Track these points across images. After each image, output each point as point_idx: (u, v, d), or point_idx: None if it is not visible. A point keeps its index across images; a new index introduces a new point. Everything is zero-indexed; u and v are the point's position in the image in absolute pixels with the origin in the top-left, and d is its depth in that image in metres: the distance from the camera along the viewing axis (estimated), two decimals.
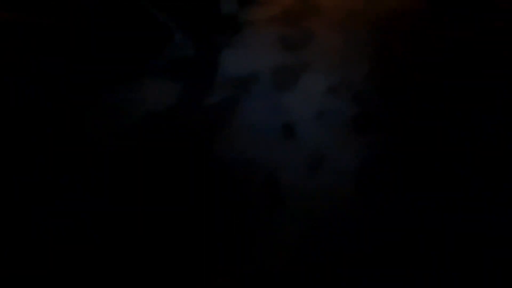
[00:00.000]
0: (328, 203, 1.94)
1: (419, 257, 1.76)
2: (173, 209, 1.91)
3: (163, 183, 2.06)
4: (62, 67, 2.59)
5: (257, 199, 1.93)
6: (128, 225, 1.88)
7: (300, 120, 2.48)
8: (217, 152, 2.20)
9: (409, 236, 1.81)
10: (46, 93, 2.38)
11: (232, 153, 2.22)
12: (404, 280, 1.68)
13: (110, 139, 2.18)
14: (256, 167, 2.07)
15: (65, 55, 2.72)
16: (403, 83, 2.80)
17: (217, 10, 3.97)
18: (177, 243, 1.85)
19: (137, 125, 2.28)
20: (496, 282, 1.58)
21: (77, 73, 2.70)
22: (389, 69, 3.08)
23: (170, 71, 3.30)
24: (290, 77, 3.15)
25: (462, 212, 1.84)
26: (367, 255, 1.74)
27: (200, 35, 3.68)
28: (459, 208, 1.87)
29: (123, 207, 1.87)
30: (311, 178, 2.04)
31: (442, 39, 4.47)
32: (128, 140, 2.17)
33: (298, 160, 2.18)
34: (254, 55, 3.43)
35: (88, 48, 2.81)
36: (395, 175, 2.03)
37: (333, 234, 1.79)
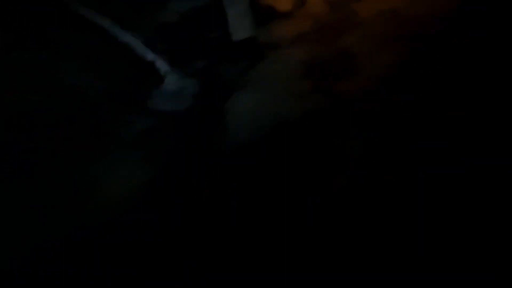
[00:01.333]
0: None
1: None
2: None
3: None
4: None
5: None
6: None
7: None
8: None
9: None
10: None
11: None
12: None
13: None
14: None
15: None
16: None
17: (228, 36, 2.99)
18: None
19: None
20: None
21: None
22: None
23: (144, 146, 2.25)
24: (325, 145, 2.04)
25: None
26: None
27: (203, 71, 2.69)
28: None
29: None
30: None
31: None
32: None
33: None
34: (272, 101, 2.40)
35: None
36: None
37: None
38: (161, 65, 2.83)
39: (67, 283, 1.52)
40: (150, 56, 2.86)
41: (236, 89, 2.68)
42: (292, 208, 1.67)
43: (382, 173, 1.79)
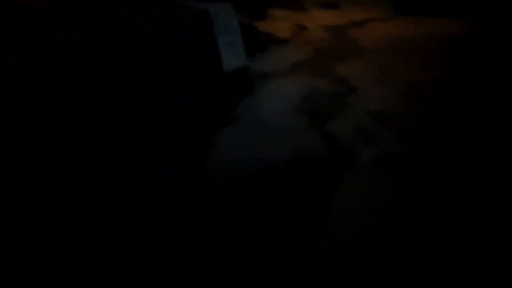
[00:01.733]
0: None
1: None
2: None
3: None
4: None
5: None
6: None
7: None
8: None
9: None
10: None
11: None
12: None
13: None
14: None
15: None
16: None
17: (218, 66, 2.78)
18: None
19: None
20: None
21: None
22: None
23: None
24: (312, 197, 1.77)
25: None
26: None
27: (192, 104, 2.46)
28: None
29: None
30: None
31: None
32: None
33: None
34: (262, 139, 2.16)
35: None
36: None
37: None
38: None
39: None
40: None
41: (225, 125, 2.44)
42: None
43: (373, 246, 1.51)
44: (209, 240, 1.42)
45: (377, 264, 1.40)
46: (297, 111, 2.50)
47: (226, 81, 2.84)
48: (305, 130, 2.26)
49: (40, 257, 1.45)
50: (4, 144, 1.96)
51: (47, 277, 1.40)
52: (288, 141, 2.17)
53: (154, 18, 2.76)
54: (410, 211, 1.65)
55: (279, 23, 6.44)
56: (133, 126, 2.37)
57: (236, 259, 1.46)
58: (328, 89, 3.12)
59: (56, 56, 2.44)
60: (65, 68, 2.38)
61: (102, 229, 1.58)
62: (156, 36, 2.62)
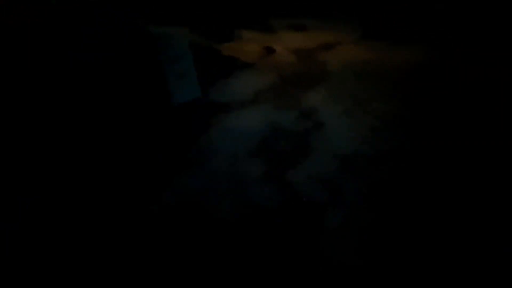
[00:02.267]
0: None
1: None
2: None
3: None
4: None
5: None
6: None
7: None
8: None
9: None
10: None
11: None
12: None
13: None
14: None
15: None
16: None
17: (167, 99, 2.39)
18: None
19: None
20: None
21: None
22: None
23: None
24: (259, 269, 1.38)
25: None
26: None
27: (136, 147, 2.05)
28: None
29: None
30: None
31: None
32: None
33: None
34: (210, 192, 1.77)
35: None
36: None
37: None
38: None
39: None
40: None
41: (172, 171, 2.04)
42: None
43: None
44: None
45: None
46: (254, 156, 2.14)
47: (175, 116, 2.45)
48: (261, 181, 1.89)
49: None
50: None
51: None
52: (239, 196, 1.79)
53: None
54: None
55: (246, 46, 6.13)
56: None
57: None
58: (292, 125, 2.78)
59: None
60: None
61: None
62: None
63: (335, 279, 1.32)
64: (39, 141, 2.16)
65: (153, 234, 1.54)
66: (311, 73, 4.58)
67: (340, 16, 8.07)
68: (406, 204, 1.74)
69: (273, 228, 1.58)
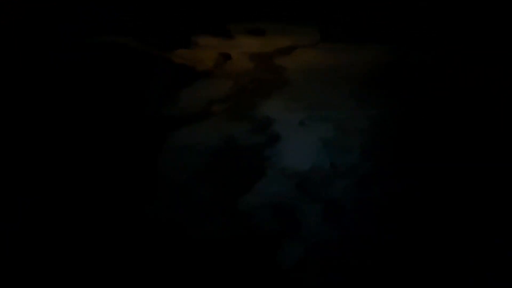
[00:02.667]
0: None
1: None
2: None
3: None
4: None
5: None
6: None
7: None
8: None
9: None
10: None
11: None
12: None
13: None
14: None
15: None
16: None
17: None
18: None
19: None
20: None
21: None
22: None
23: None
24: None
25: None
26: None
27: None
28: None
29: None
30: None
31: None
32: None
33: None
34: (160, 228, 1.51)
35: None
36: None
37: None
38: None
39: None
40: None
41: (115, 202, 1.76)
42: None
43: None
44: None
45: None
46: (204, 180, 1.91)
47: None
48: (210, 211, 1.66)
49: None
50: None
51: None
52: (186, 230, 1.55)
53: None
54: None
55: (203, 52, 5.85)
56: None
57: None
58: (247, 139, 2.56)
59: None
60: None
61: None
62: None
63: None
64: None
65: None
66: (268, 80, 4.39)
67: (299, 19, 7.95)
68: (366, 229, 1.55)
69: (218, 268, 1.35)
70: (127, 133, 2.48)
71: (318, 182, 1.96)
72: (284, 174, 2.04)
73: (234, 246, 1.43)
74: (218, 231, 1.54)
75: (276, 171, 2.09)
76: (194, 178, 1.98)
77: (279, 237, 1.53)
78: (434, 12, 6.25)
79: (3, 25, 4.40)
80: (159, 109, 3.15)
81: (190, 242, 1.52)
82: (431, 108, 3.16)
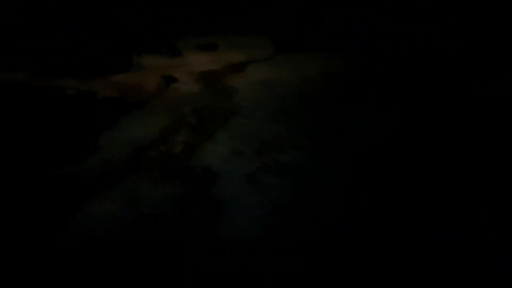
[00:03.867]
0: None
1: None
2: None
3: None
4: None
5: None
6: None
7: None
8: None
9: None
10: None
11: None
12: None
13: None
14: None
15: None
16: None
17: None
18: None
19: None
20: None
21: None
22: None
23: None
24: None
25: None
26: None
27: None
28: None
29: None
30: None
31: None
32: None
33: None
34: None
35: None
36: None
37: None
38: None
39: None
40: None
41: None
42: None
43: None
44: None
45: None
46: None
47: None
48: None
49: None
50: None
51: None
52: None
53: None
54: None
55: (144, 76, 5.02)
56: None
57: None
58: (173, 213, 1.80)
59: None
60: None
61: None
62: None
63: None
64: None
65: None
66: (215, 108, 3.63)
67: (253, 30, 7.25)
68: None
69: None
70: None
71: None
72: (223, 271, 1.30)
73: None
74: None
75: (212, 270, 1.34)
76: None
77: None
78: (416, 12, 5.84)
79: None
80: (61, 169, 2.32)
81: None
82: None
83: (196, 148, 2.63)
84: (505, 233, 1.59)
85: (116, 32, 5.63)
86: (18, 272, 1.50)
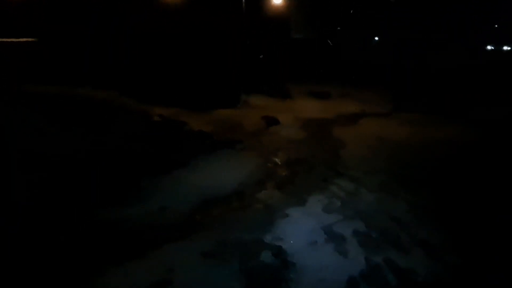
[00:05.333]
0: None
1: None
2: None
3: None
4: None
5: None
6: None
7: None
8: None
9: None
10: None
11: None
12: None
13: None
14: None
15: None
16: None
17: None
18: None
19: None
20: None
21: None
22: None
23: None
24: None
25: None
26: None
27: None
28: None
29: None
30: None
31: None
32: None
33: None
34: None
35: None
36: None
37: None
38: None
39: None
40: None
41: None
42: None
43: None
44: None
45: None
46: None
47: None
48: None
49: None
50: None
51: None
52: None
53: None
54: None
55: (248, 114, 4.57)
56: None
57: None
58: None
59: None
60: None
61: None
62: None
63: None
64: None
65: None
66: (315, 163, 2.88)
67: (372, 84, 6.46)
68: None
69: None
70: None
71: None
72: None
73: None
74: None
75: None
76: None
77: None
78: None
79: None
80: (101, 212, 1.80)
81: None
82: None
83: (276, 216, 1.90)
84: None
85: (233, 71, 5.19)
86: None
